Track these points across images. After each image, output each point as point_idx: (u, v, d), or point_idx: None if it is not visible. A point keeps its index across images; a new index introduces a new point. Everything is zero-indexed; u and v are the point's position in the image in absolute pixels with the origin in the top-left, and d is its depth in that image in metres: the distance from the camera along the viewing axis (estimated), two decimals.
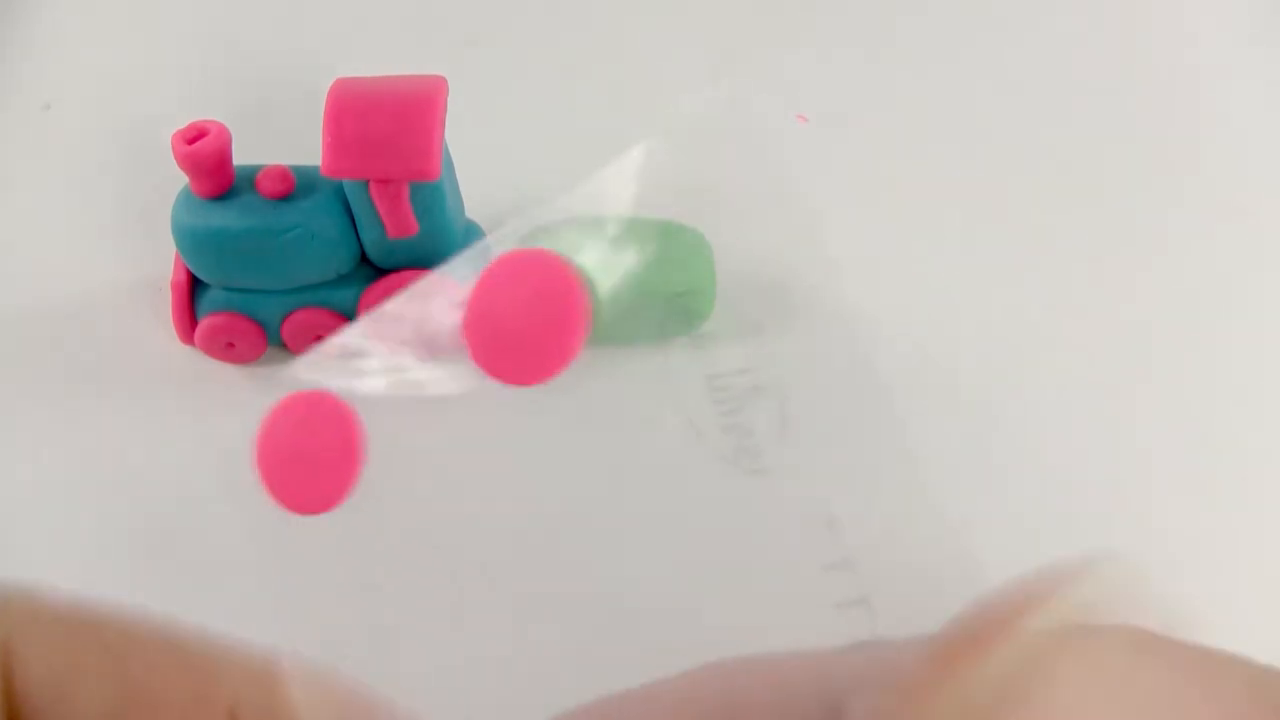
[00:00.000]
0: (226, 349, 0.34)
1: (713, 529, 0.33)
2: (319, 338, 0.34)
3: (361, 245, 0.32)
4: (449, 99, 0.30)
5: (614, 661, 0.31)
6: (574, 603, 0.32)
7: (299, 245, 0.31)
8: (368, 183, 0.30)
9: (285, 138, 0.33)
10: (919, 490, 0.33)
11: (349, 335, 0.24)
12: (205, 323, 0.33)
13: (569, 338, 0.22)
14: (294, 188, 0.31)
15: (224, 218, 0.31)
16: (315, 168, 0.31)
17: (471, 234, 0.34)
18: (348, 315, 0.33)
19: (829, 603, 0.26)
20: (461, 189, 0.33)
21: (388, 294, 0.33)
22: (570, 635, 0.31)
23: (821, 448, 0.34)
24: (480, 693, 0.31)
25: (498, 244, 0.23)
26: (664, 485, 0.33)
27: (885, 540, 0.32)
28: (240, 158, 0.31)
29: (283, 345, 0.34)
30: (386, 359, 0.25)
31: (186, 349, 0.34)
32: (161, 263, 0.34)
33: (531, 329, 0.23)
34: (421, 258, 0.32)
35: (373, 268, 0.33)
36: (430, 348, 0.23)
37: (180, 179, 0.31)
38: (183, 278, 0.33)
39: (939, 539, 0.33)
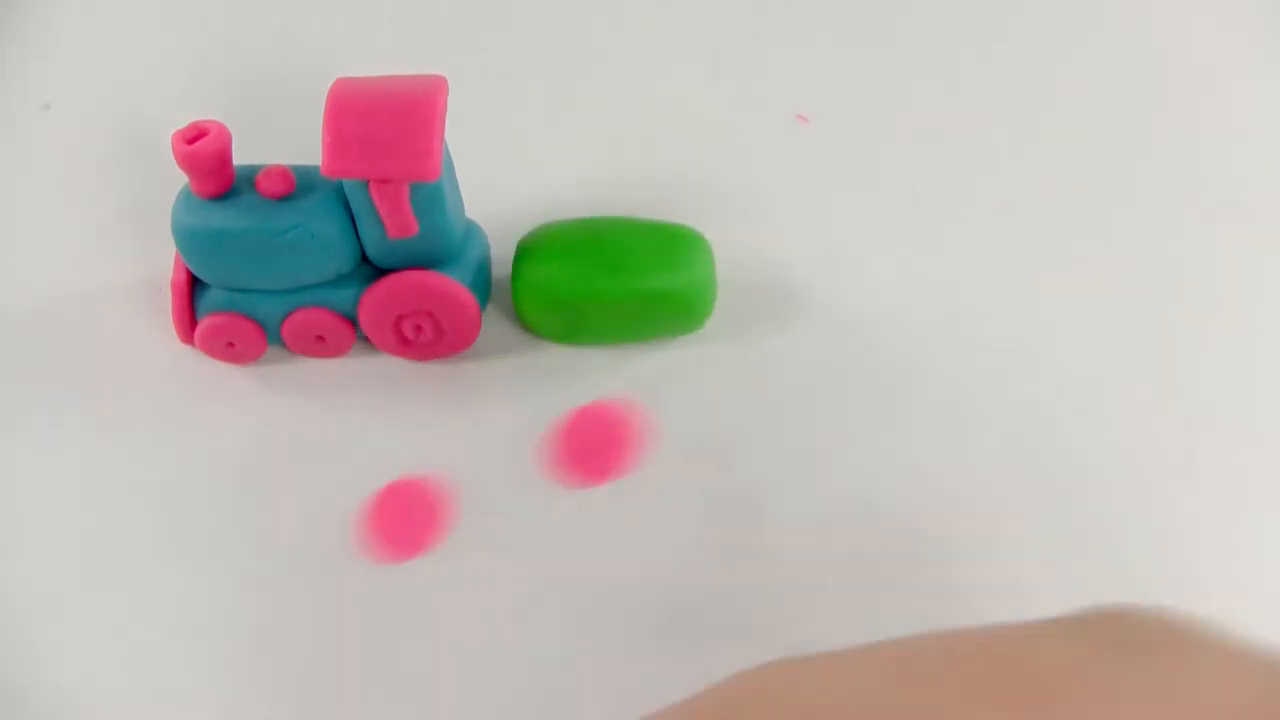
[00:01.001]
0: (226, 349, 0.34)
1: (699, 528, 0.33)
2: (319, 338, 0.34)
3: (361, 245, 0.32)
4: (449, 99, 0.30)
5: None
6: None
7: (299, 245, 0.31)
8: (368, 183, 0.30)
9: (285, 138, 0.33)
10: (920, 487, 0.33)
11: None
12: (205, 322, 0.33)
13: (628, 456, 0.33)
14: (294, 188, 0.31)
15: (224, 218, 0.31)
16: (315, 168, 0.31)
17: (471, 234, 0.34)
18: (348, 315, 0.33)
19: None
20: (461, 189, 0.33)
21: (388, 294, 0.33)
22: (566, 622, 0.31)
23: (819, 447, 0.34)
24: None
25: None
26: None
27: (893, 534, 0.32)
28: (240, 158, 0.31)
29: (282, 345, 0.34)
30: None
31: (186, 349, 0.34)
32: (161, 263, 0.34)
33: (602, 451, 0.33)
34: (421, 258, 0.32)
35: (373, 267, 0.33)
36: None
37: (180, 179, 0.31)
38: (182, 278, 0.33)
39: (938, 534, 0.33)
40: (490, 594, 0.32)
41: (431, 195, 0.31)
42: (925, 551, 0.32)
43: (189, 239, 0.31)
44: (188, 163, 0.30)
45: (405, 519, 0.32)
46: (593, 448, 0.32)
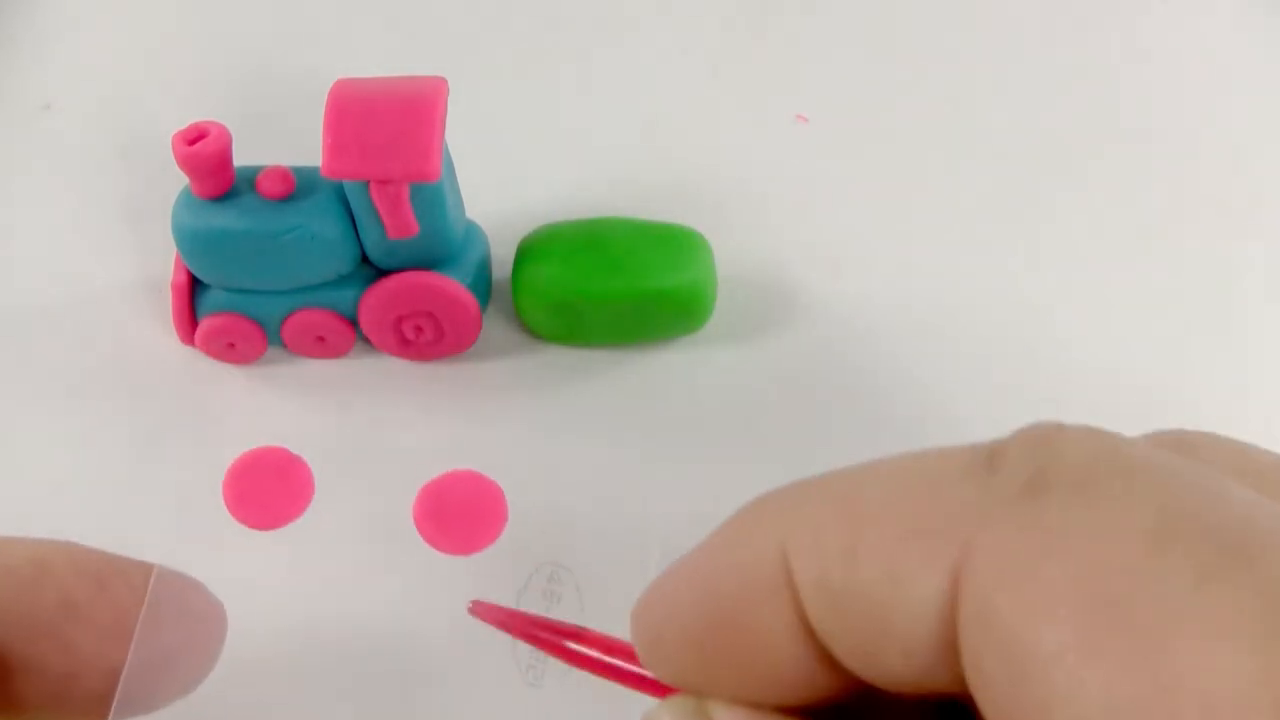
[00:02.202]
0: (227, 349, 0.34)
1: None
2: (319, 338, 0.34)
3: (362, 246, 0.32)
4: (449, 100, 0.30)
5: None
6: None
7: (299, 246, 0.31)
8: (368, 183, 0.30)
9: (286, 138, 0.33)
10: None
11: None
12: (206, 323, 0.33)
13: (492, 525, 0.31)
14: (294, 189, 0.31)
15: (224, 218, 0.31)
16: (316, 169, 0.31)
17: (472, 234, 0.34)
18: (348, 316, 0.33)
19: None
20: (462, 189, 0.33)
21: (388, 294, 0.33)
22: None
23: (820, 447, 0.34)
24: None
25: None
26: (662, 480, 0.33)
27: None
28: (241, 159, 0.31)
29: (283, 346, 0.34)
30: None
31: (187, 349, 0.34)
32: (162, 263, 0.34)
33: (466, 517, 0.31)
34: (422, 258, 0.32)
35: (373, 268, 0.33)
36: None
37: (180, 180, 0.31)
38: (183, 278, 0.33)
39: None
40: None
41: (432, 196, 0.31)
42: None
43: (189, 240, 0.31)
44: (188, 164, 0.30)
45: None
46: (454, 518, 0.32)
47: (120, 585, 0.21)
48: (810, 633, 0.15)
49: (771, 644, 0.15)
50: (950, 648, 0.14)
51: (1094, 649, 0.12)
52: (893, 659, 0.14)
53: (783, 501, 0.16)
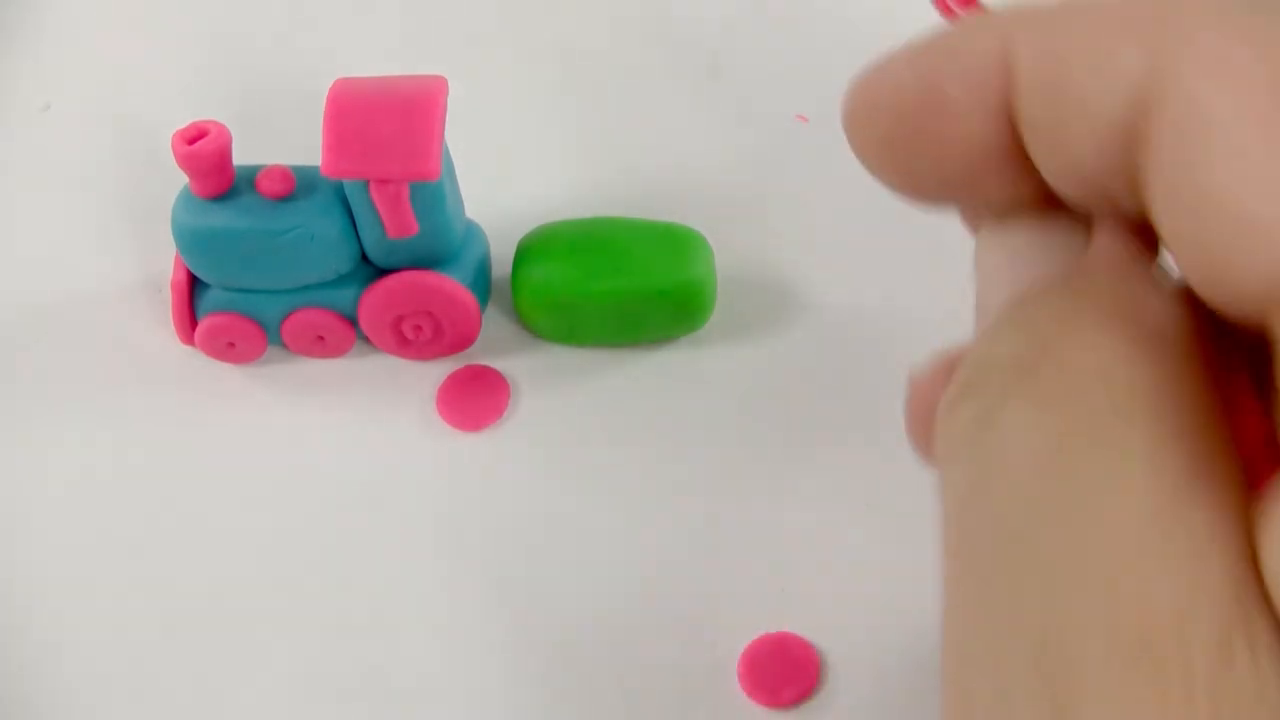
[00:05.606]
0: (227, 349, 0.34)
1: (711, 535, 0.33)
2: (319, 338, 0.34)
3: (361, 245, 0.32)
4: (449, 99, 0.30)
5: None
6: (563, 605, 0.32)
7: (299, 245, 0.31)
8: (368, 183, 0.30)
9: (286, 138, 0.33)
10: (920, 488, 0.33)
11: None
12: (205, 323, 0.33)
13: None
14: (294, 188, 0.31)
15: (224, 218, 0.31)
16: (315, 168, 0.31)
17: (472, 234, 0.34)
18: (348, 315, 0.33)
19: None
20: (462, 189, 0.33)
21: (388, 294, 0.33)
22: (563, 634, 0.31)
23: (822, 450, 0.34)
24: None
25: None
26: (661, 486, 0.33)
27: (893, 533, 0.32)
28: (240, 158, 0.31)
29: (282, 345, 0.34)
30: None
31: (186, 349, 0.34)
32: (161, 263, 0.34)
33: None
34: (422, 258, 0.32)
35: (373, 267, 0.33)
36: None
37: (180, 179, 0.31)
38: (183, 278, 0.33)
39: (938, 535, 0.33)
40: (488, 605, 0.32)
41: (432, 195, 0.31)
42: (926, 553, 0.32)
43: (189, 239, 0.31)
44: (188, 163, 0.30)
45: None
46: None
47: None
48: (1009, 124, 0.16)
49: (973, 129, 0.17)
50: (1134, 138, 0.15)
51: (1266, 123, 0.13)
52: (1082, 146, 0.15)
53: (1006, 15, 0.17)
